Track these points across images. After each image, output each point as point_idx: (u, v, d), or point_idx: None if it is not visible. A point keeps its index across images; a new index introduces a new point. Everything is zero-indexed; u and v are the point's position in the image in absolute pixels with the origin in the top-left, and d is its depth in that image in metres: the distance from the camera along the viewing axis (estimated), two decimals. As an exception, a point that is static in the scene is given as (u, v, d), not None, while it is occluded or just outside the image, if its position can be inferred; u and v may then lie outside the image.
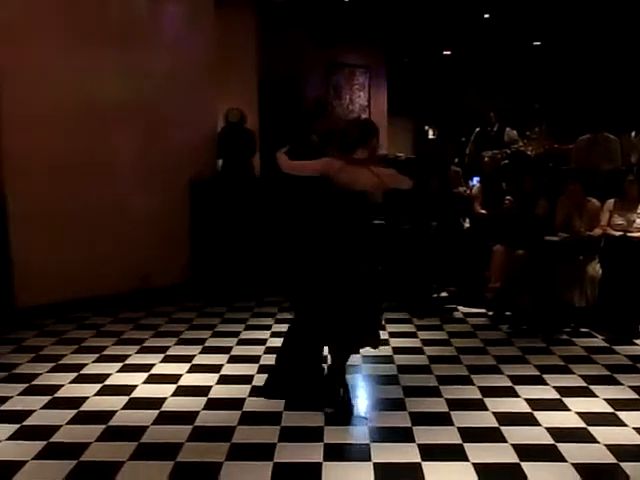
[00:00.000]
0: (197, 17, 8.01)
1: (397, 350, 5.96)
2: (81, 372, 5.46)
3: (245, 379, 5.24)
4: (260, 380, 5.10)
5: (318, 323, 4.61)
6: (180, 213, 7.87)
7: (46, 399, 4.91)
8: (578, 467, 3.88)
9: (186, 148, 7.82)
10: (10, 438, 4.31)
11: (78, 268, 7.09)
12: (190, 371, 5.48)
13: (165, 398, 4.92)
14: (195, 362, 5.69)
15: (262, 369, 5.39)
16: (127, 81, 7.37)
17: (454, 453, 4.05)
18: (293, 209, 5.04)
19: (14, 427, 4.44)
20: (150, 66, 7.54)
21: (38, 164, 6.83)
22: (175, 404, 4.84)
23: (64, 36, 6.96)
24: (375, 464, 3.92)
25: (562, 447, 4.12)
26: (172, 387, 5.13)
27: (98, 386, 5.16)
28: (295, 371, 4.92)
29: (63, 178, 6.97)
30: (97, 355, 5.87)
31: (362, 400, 5.02)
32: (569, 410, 4.68)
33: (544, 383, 5.18)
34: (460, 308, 7.33)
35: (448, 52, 14.89)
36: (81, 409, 4.74)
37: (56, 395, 4.99)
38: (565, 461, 3.96)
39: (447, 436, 4.28)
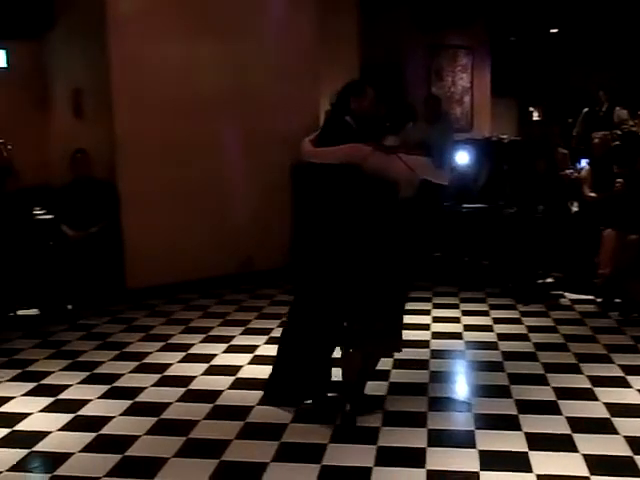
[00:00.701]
0: (299, 4, 8.06)
1: (501, 336, 5.85)
2: (189, 352, 5.63)
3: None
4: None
5: (336, 320, 4.32)
6: (282, 198, 7.96)
7: (156, 377, 5.09)
8: (696, 462, 3.71)
9: (288, 133, 7.81)
10: (124, 414, 4.49)
11: (184, 251, 7.30)
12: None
13: (269, 379, 5.01)
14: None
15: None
16: (232, 69, 7.51)
17: (563, 443, 3.94)
18: (316, 200, 4.47)
19: (127, 403, 4.63)
20: (254, 55, 7.65)
21: (148, 151, 7.08)
22: (279, 385, 4.91)
23: (172, 27, 7.15)
24: (480, 451, 3.87)
25: (678, 441, 3.94)
26: (276, 368, 5.21)
27: (205, 366, 5.30)
28: (299, 373, 4.50)
29: (171, 164, 7.17)
30: (204, 335, 6.03)
31: (465, 386, 4.97)
32: (685, 403, 4.48)
33: (658, 374, 4.97)
34: (567, 294, 7.09)
35: (555, 30, 14.38)
36: (189, 388, 4.89)
37: (165, 373, 5.17)
38: (682, 455, 3.80)
39: (555, 426, 4.17)
